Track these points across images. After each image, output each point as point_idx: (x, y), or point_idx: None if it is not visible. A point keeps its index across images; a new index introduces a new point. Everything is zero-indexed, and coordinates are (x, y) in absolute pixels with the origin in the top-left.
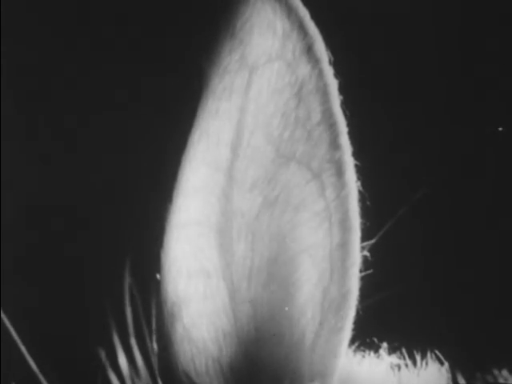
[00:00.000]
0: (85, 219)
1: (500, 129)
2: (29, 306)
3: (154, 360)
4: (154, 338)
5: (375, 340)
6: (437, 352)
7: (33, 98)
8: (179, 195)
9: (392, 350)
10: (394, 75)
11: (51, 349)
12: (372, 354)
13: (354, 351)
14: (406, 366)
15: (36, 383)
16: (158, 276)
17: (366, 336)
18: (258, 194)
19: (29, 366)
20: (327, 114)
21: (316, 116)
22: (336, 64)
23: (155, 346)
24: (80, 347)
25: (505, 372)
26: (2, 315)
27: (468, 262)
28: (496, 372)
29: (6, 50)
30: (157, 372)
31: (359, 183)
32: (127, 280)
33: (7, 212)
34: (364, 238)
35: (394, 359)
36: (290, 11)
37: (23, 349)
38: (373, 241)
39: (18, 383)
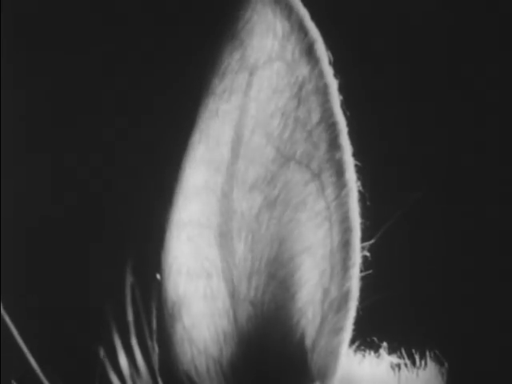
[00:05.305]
0: (85, 219)
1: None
2: (29, 305)
3: (155, 360)
4: (155, 338)
5: (375, 340)
6: (436, 352)
7: (34, 101)
8: (180, 196)
9: (392, 350)
10: (394, 75)
11: (52, 349)
12: (372, 353)
13: (355, 351)
14: (406, 365)
15: (36, 383)
16: (158, 276)
17: (366, 336)
18: (258, 194)
19: (29, 366)
20: (327, 113)
21: (316, 116)
22: (336, 64)
23: (156, 346)
24: (80, 347)
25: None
26: (3, 315)
27: (468, 261)
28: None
29: (6, 50)
30: (157, 372)
31: (359, 183)
32: (128, 280)
33: (8, 212)
34: (364, 238)
35: (394, 359)
36: (290, 12)
37: (24, 348)
38: (373, 241)
39: (18, 382)
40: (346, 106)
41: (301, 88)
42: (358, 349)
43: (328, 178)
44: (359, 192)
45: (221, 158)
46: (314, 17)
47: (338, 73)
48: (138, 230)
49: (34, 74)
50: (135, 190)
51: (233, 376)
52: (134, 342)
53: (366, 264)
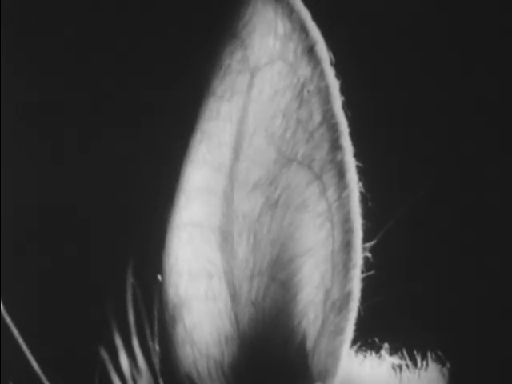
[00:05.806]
0: (85, 219)
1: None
2: (30, 306)
3: (156, 361)
4: (156, 339)
5: (377, 341)
6: (438, 353)
7: (33, 100)
8: (181, 196)
9: (393, 351)
10: (395, 75)
11: (52, 349)
12: (374, 354)
13: (356, 352)
14: (407, 366)
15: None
16: (159, 277)
17: (367, 337)
18: (260, 195)
19: (30, 367)
20: (329, 114)
21: (317, 117)
22: (337, 65)
23: (157, 347)
24: (81, 347)
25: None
26: (3, 315)
27: (469, 261)
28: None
29: (6, 52)
30: (158, 373)
31: (361, 184)
32: (129, 281)
33: (8, 212)
34: (366, 239)
35: (395, 360)
36: (291, 12)
37: (24, 349)
38: (374, 242)
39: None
40: (348, 106)
41: (302, 88)
42: (359, 350)
43: (329, 179)
44: (361, 193)
45: (222, 159)
46: (315, 17)
47: (339, 73)
48: (140, 230)
49: (34, 73)
50: (136, 191)
51: (234, 378)
52: (135, 342)
53: (368, 265)
